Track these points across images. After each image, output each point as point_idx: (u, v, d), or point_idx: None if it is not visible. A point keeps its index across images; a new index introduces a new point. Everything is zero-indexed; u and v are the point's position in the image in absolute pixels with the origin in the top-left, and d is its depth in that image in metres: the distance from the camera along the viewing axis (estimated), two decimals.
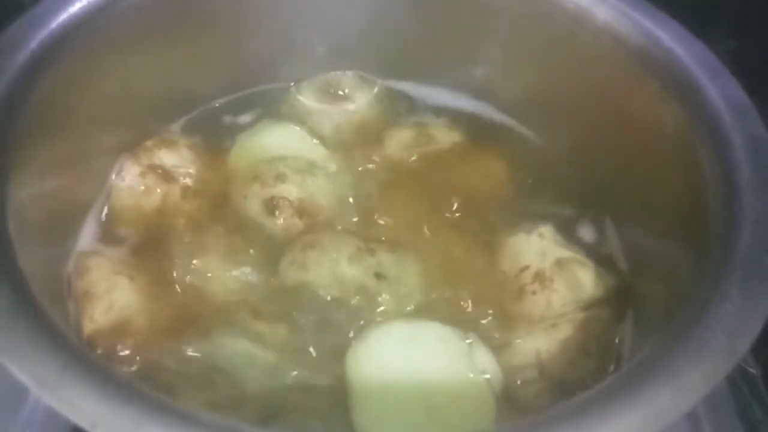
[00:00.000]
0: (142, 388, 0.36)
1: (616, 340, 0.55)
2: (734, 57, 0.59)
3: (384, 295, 0.56)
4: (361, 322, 0.55)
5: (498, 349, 0.54)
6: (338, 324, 0.55)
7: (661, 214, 0.56)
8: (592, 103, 0.63)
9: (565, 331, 0.54)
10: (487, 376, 0.52)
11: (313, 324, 0.55)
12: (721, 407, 0.60)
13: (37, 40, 0.52)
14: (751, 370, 0.62)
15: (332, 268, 0.56)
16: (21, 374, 0.36)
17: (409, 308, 0.56)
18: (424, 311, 0.56)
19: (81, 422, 0.34)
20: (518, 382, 0.53)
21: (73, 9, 0.55)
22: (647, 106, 0.57)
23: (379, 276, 0.56)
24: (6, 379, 0.54)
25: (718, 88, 0.52)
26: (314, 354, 0.53)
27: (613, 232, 0.64)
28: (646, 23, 0.57)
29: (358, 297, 0.56)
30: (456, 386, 0.51)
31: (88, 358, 0.37)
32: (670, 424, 0.35)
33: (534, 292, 0.57)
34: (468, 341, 0.53)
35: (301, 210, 0.61)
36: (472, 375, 0.51)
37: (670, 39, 0.56)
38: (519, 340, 0.55)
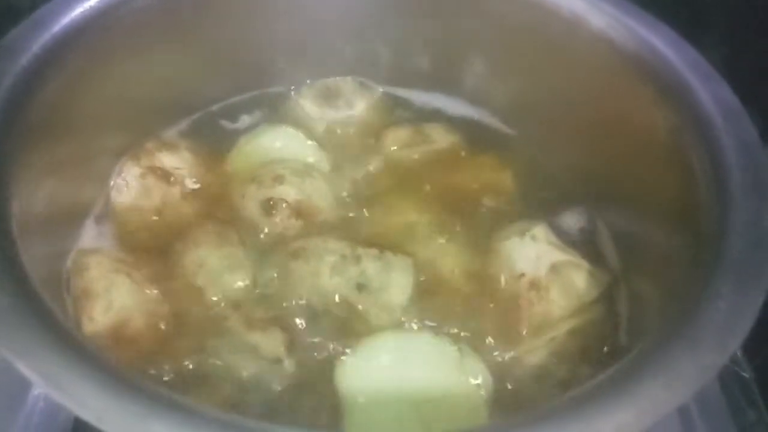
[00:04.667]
0: (146, 383, 0.36)
1: (613, 341, 0.56)
2: (727, 63, 0.59)
3: (366, 308, 0.56)
4: (347, 334, 0.54)
5: (492, 358, 0.54)
6: (326, 335, 0.55)
7: (655, 215, 0.56)
8: (587, 108, 0.64)
9: (561, 337, 0.55)
10: (478, 382, 0.52)
11: (303, 334, 0.55)
12: (714, 410, 0.60)
13: (39, 44, 0.53)
14: (744, 374, 0.63)
15: (313, 281, 0.56)
16: (27, 370, 0.35)
17: (393, 319, 0.56)
18: (412, 322, 0.56)
19: (86, 417, 0.34)
20: (513, 390, 0.53)
21: (74, 14, 0.56)
22: (641, 110, 0.57)
23: (361, 287, 0.56)
24: (6, 376, 0.55)
25: (710, 93, 0.52)
26: (305, 365, 0.53)
27: (607, 232, 0.64)
28: (640, 30, 0.58)
29: (341, 309, 0.56)
30: (447, 394, 0.51)
31: (93, 354, 0.37)
32: (663, 419, 0.36)
33: (530, 302, 0.56)
34: (457, 348, 0.53)
35: (299, 211, 0.62)
36: (462, 382, 0.51)
37: (664, 45, 0.56)
38: (514, 350, 0.54)
